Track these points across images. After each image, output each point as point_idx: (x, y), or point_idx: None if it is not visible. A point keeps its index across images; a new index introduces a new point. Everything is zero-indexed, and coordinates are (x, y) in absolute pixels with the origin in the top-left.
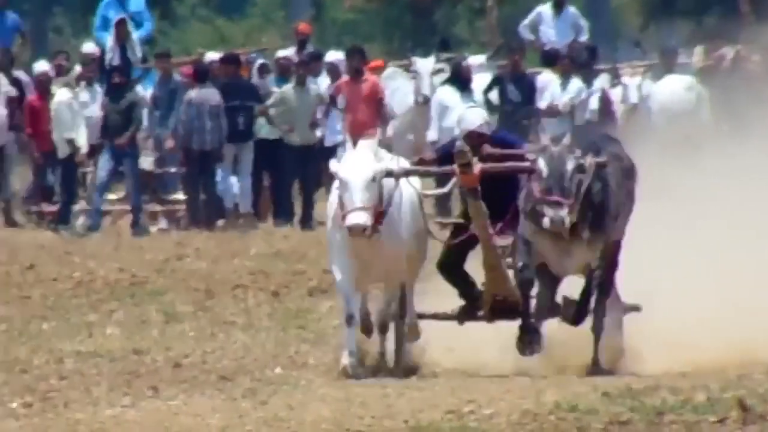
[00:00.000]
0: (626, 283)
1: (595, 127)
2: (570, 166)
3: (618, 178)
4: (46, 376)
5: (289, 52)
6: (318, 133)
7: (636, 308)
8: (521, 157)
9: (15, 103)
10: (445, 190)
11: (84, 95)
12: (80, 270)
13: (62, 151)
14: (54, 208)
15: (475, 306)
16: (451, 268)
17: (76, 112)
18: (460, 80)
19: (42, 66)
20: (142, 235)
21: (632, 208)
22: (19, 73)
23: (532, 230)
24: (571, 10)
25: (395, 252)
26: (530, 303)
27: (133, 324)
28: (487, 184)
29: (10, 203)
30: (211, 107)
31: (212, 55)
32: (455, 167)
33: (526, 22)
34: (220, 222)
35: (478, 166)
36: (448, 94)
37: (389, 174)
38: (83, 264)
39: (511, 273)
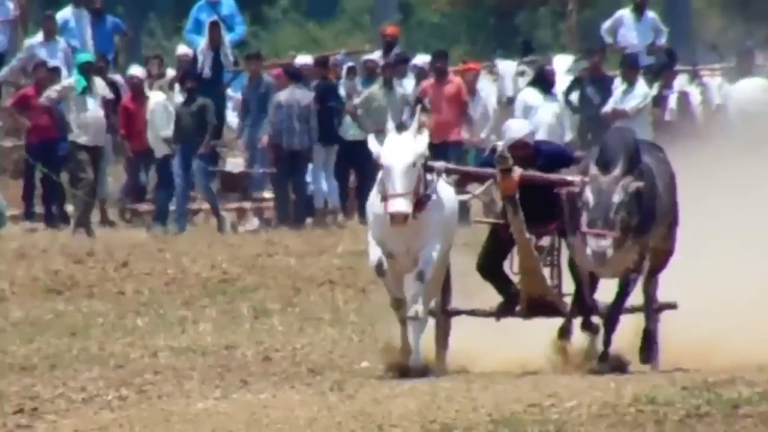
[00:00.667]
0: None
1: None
2: (617, 198)
3: (666, 184)
4: (140, 371)
5: (376, 54)
6: None
7: (671, 306)
8: (564, 182)
9: (111, 106)
10: (476, 193)
11: (178, 97)
12: (173, 267)
13: (159, 152)
14: (147, 206)
15: (513, 303)
16: (490, 268)
17: (170, 113)
18: (543, 82)
19: (135, 70)
20: (225, 233)
21: (677, 215)
22: (116, 77)
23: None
24: (651, 14)
25: (429, 243)
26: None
27: (224, 320)
28: (527, 186)
29: (105, 202)
30: (301, 108)
31: (303, 58)
32: (496, 171)
33: (606, 25)
34: (309, 220)
35: (518, 173)
36: (532, 96)
37: (429, 169)
38: (176, 261)
39: (547, 272)
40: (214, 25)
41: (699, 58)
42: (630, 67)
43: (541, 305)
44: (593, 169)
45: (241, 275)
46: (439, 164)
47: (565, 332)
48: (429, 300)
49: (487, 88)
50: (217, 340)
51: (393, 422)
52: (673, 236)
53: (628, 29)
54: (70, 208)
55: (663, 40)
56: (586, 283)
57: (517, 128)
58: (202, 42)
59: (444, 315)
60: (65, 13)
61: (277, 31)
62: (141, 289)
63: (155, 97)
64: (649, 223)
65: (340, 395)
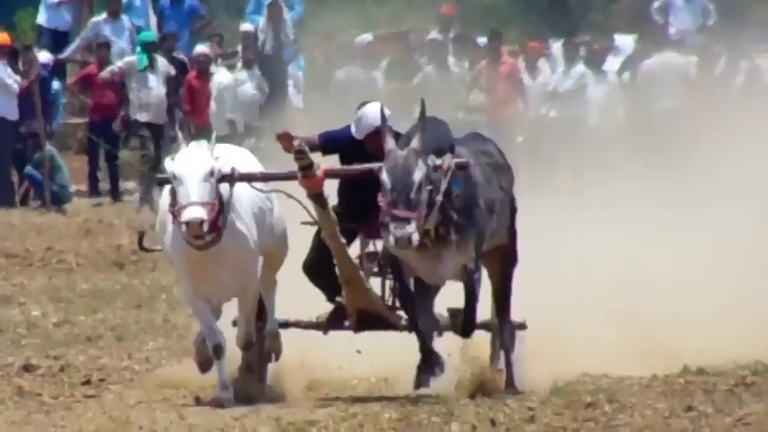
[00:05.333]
0: None
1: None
2: (418, 175)
3: (487, 173)
4: None
5: (433, 34)
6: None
7: (521, 326)
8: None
9: (173, 82)
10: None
11: (242, 75)
12: None
13: (221, 130)
14: None
15: (343, 314)
16: (315, 269)
17: (236, 92)
18: (594, 61)
19: (201, 48)
20: None
21: (513, 204)
22: (180, 56)
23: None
24: None
25: (242, 262)
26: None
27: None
28: (355, 181)
29: None
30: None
31: (365, 36)
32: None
33: (656, 5)
34: None
35: (322, 169)
36: (584, 75)
37: (225, 179)
38: None
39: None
40: (273, 5)
41: (747, 39)
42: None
43: (374, 318)
44: (390, 144)
45: None
46: (236, 173)
47: (421, 381)
48: (273, 320)
49: (545, 68)
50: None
51: None
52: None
53: (677, 9)
54: (131, 184)
55: (711, 21)
56: (414, 297)
57: (373, 115)
58: (262, 21)
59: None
60: None
61: (334, 11)
62: None
63: (220, 76)
64: (474, 213)
65: None
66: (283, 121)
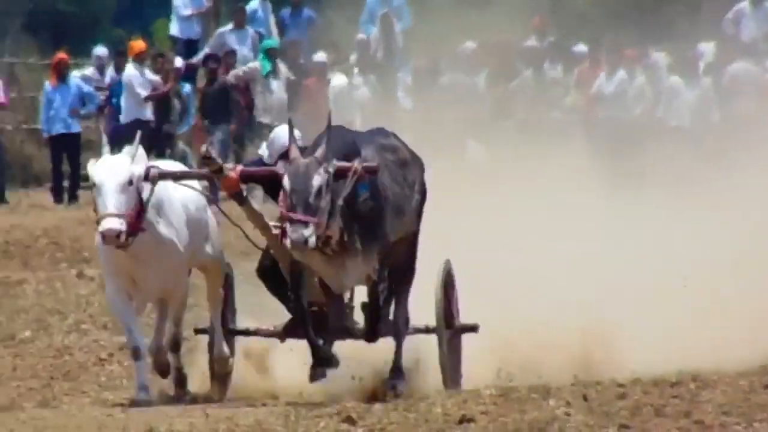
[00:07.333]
0: None
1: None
2: (317, 181)
3: (393, 171)
4: None
5: (531, 41)
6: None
7: (473, 328)
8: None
9: (293, 88)
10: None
11: (357, 80)
12: None
13: None
14: None
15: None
16: (268, 273)
17: (351, 96)
18: (686, 68)
19: (319, 56)
20: None
21: (422, 198)
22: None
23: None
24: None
25: (165, 262)
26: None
27: None
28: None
29: None
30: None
31: (469, 44)
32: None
33: (729, 16)
34: None
35: (236, 170)
36: (675, 82)
37: (146, 178)
38: None
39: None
40: (385, 16)
41: None
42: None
43: (326, 318)
44: (293, 152)
45: None
46: (154, 171)
47: (317, 375)
48: (179, 320)
49: (639, 75)
50: None
51: None
52: (413, 241)
53: (747, 19)
54: None
55: None
56: (306, 312)
57: (285, 135)
58: (375, 30)
59: (225, 334)
60: (254, 5)
61: (440, 20)
62: None
63: (337, 81)
64: (379, 223)
65: None
66: (392, 123)
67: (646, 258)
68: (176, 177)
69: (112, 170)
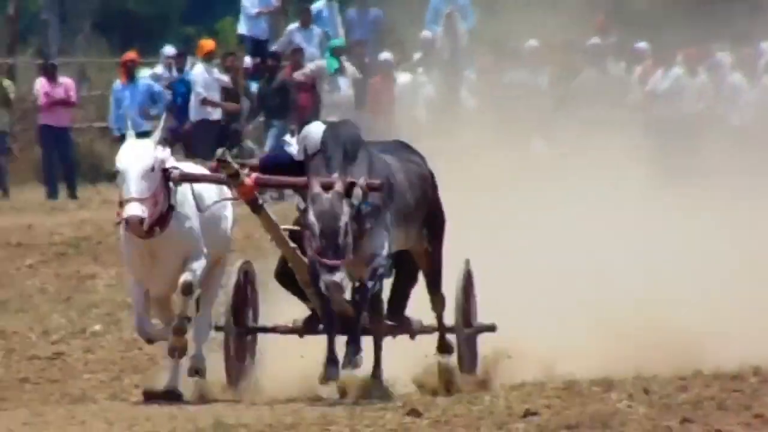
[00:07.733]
0: None
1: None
2: (344, 220)
3: (412, 180)
4: None
5: (594, 39)
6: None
7: (491, 328)
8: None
9: (360, 86)
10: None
11: (422, 78)
12: None
13: (404, 129)
14: None
15: (318, 318)
16: (285, 276)
17: (416, 94)
18: (747, 67)
19: (384, 55)
20: None
21: (439, 213)
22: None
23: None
24: None
25: (183, 255)
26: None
27: None
28: None
29: None
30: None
31: (532, 43)
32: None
33: None
34: None
35: (252, 177)
36: (737, 80)
37: (168, 179)
38: None
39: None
40: (450, 15)
41: None
42: None
43: (345, 321)
44: (315, 187)
45: None
46: (175, 172)
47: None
48: (208, 317)
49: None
50: None
51: None
52: (434, 237)
53: None
54: None
55: None
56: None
57: (317, 136)
58: (440, 30)
59: (245, 331)
60: (319, 5)
61: (504, 19)
62: None
63: (402, 78)
64: (376, 233)
65: None
66: (456, 121)
67: (706, 253)
68: (197, 180)
69: (135, 155)
